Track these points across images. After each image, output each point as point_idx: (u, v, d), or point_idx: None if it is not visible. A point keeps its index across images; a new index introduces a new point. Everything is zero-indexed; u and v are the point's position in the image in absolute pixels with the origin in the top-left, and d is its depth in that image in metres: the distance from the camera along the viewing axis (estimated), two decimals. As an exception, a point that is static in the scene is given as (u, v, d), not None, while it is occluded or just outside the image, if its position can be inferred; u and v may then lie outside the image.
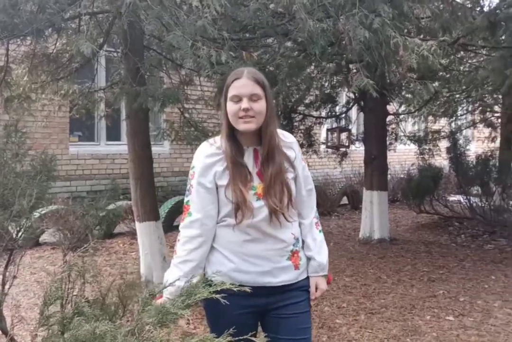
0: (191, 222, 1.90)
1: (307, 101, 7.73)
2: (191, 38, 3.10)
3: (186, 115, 5.15)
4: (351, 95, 7.57)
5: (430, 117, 9.95)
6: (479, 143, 12.36)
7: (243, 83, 1.86)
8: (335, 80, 7.75)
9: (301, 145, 7.70)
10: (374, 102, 6.91)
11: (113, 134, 9.08)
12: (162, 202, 7.76)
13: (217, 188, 1.90)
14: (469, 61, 7.80)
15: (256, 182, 1.89)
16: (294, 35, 3.94)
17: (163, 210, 7.30)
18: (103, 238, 6.74)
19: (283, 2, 3.44)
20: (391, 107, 8.46)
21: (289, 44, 4.97)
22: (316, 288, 2.09)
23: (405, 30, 5.87)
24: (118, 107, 6.76)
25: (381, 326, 3.95)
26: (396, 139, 8.44)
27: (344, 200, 10.54)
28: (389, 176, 10.59)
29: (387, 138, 7.85)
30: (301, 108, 7.82)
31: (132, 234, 6.25)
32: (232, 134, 1.91)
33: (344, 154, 8.11)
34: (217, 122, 7.24)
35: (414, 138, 8.50)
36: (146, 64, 4.29)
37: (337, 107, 8.47)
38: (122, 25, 3.22)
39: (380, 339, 3.70)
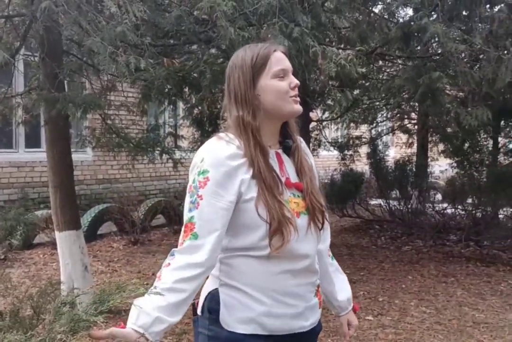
0: (195, 247, 1.37)
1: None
2: (110, 44, 3.07)
3: (108, 121, 5.07)
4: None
5: (352, 124, 10.28)
6: (398, 149, 12.88)
7: (284, 56, 1.51)
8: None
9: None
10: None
11: (32, 141, 8.75)
12: (85, 210, 7.57)
13: (236, 203, 1.41)
14: (387, 70, 8.14)
15: (287, 195, 1.46)
16: (216, 42, 3.98)
17: (86, 219, 7.12)
18: (22, 248, 6.48)
19: (205, 9, 3.48)
20: (315, 114, 8.67)
21: (213, 51, 5.02)
22: (349, 325, 1.75)
23: (327, 39, 6.08)
24: (37, 113, 6.55)
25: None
26: (319, 145, 8.67)
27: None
28: (313, 181, 10.82)
29: (311, 144, 8.03)
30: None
31: (53, 244, 6.05)
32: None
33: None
34: (141, 129, 7.16)
35: (336, 144, 8.76)
36: (66, 69, 4.19)
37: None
38: (38, 29, 3.13)
39: (303, 341, 3.79)
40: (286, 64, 1.49)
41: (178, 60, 4.75)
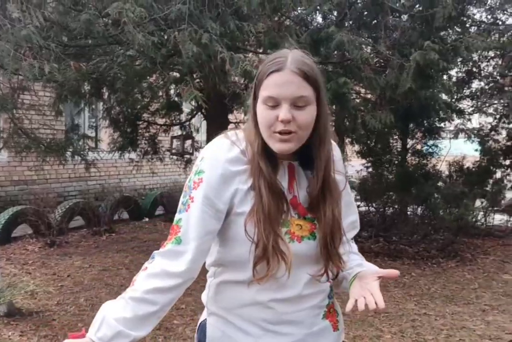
0: (176, 253, 1.22)
1: (152, 108, 7.85)
2: (16, 47, 3.09)
3: (18, 123, 5.01)
4: (194, 103, 7.81)
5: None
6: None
7: (286, 80, 1.19)
8: (180, 89, 7.94)
9: (146, 153, 7.80)
10: (216, 111, 7.21)
11: None
12: (-1, 212, 7.38)
13: (227, 215, 1.25)
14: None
15: (289, 215, 1.26)
16: (126, 46, 4.06)
17: (-1, 221, 6.95)
18: None
19: (113, 14, 3.55)
20: (238, 115, 8.85)
21: (130, 52, 5.07)
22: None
23: (246, 43, 6.27)
24: None
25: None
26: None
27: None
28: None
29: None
30: (146, 115, 7.91)
31: (-37, 248, 5.90)
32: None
33: (189, 161, 8.34)
34: (58, 129, 7.08)
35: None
36: (-28, 69, 4.12)
37: (183, 115, 8.68)
38: None
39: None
40: (281, 90, 1.19)
41: (93, 62, 4.79)
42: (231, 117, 8.13)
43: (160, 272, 1.20)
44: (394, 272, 1.31)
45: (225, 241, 1.27)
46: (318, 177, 1.27)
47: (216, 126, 7.34)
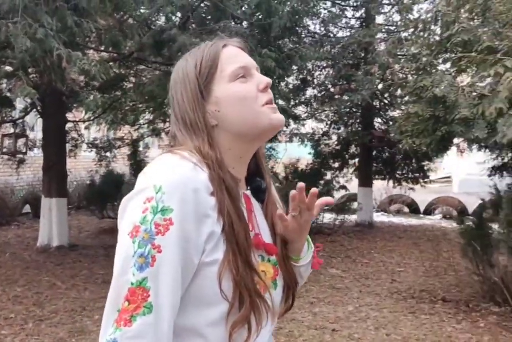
0: (152, 327, 0.86)
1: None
2: None
3: None
4: (28, 100, 7.36)
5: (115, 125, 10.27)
6: (160, 150, 13.23)
7: (238, 51, 1.06)
8: (12, 84, 7.43)
9: (-28, 151, 7.18)
10: (54, 109, 6.88)
11: None
12: None
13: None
14: (150, 74, 8.36)
15: (254, 258, 0.98)
16: None
17: None
18: None
19: None
20: (77, 113, 8.50)
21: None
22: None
23: (87, 40, 6.06)
24: None
25: (48, 331, 4.00)
26: (76, 146, 8.53)
27: (27, 208, 10.17)
28: (74, 183, 10.57)
29: (68, 144, 7.87)
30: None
31: None
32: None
33: (21, 161, 7.85)
34: None
35: (94, 145, 8.71)
36: None
37: (16, 112, 8.14)
38: None
39: (46, 344, 3.77)
40: (246, 60, 1.04)
41: None
42: (69, 115, 7.80)
43: None
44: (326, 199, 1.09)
45: (183, 302, 0.92)
46: (269, 188, 1.10)
47: (53, 124, 7.04)
